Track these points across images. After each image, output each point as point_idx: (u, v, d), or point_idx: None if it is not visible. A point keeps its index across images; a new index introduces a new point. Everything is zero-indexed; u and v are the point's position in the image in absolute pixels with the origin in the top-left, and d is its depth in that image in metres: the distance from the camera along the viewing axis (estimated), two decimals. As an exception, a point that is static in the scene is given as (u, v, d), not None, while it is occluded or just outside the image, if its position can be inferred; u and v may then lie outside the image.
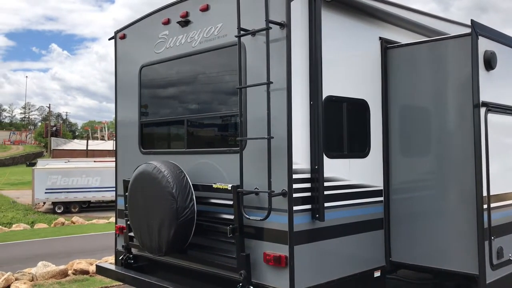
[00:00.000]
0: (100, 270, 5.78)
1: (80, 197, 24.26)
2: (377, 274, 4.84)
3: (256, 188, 4.26)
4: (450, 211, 4.63)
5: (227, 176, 4.64)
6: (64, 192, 23.89)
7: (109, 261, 7.95)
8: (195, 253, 4.76)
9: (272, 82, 4.09)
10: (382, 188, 4.99)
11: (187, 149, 5.14)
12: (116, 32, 6.13)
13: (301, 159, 4.20)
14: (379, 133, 5.00)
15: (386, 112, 5.04)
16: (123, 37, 6.01)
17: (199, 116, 5.10)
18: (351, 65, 4.74)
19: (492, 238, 4.49)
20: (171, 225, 4.48)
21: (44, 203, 24.82)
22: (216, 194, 4.57)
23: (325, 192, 4.31)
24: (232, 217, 4.37)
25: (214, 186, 4.53)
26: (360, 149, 4.83)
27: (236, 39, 4.33)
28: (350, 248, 4.58)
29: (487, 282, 4.39)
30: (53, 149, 66.13)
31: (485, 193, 4.44)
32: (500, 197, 4.69)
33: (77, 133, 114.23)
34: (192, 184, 4.64)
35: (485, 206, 4.43)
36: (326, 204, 4.30)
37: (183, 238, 4.58)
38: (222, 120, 4.90)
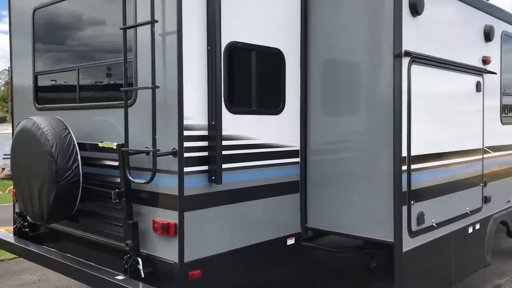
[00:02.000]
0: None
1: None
2: (290, 241, 4.42)
3: (147, 147, 3.71)
4: (368, 174, 4.20)
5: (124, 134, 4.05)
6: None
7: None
8: (84, 220, 4.23)
9: (156, 21, 3.47)
10: (298, 148, 4.52)
11: (81, 104, 4.51)
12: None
13: (196, 114, 3.65)
14: (297, 88, 4.48)
15: (305, 64, 4.51)
16: None
17: (91, 65, 4.44)
18: (264, 8, 4.14)
19: (412, 202, 4.09)
20: (51, 189, 3.90)
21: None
22: (104, 154, 3.99)
23: (226, 152, 3.79)
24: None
25: (100, 144, 3.94)
26: (272, 105, 4.30)
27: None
28: (257, 213, 4.12)
29: (403, 251, 4.01)
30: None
31: (404, 153, 4.02)
32: (424, 158, 4.28)
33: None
34: (79, 143, 4.05)
35: (404, 168, 4.01)
36: (227, 165, 3.81)
37: (67, 204, 4.01)
38: (117, 69, 4.26)
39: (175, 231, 3.57)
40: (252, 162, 4.04)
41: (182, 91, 3.52)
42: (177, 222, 3.56)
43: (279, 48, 4.26)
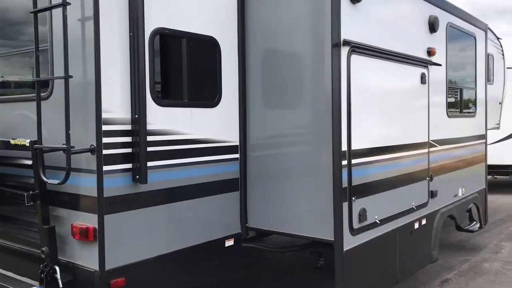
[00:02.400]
0: None
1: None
2: (229, 243, 4.17)
3: (64, 144, 3.35)
4: (308, 170, 4.00)
5: (45, 130, 3.67)
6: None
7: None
8: (-2, 225, 3.84)
9: (68, 3, 3.11)
10: (237, 143, 4.26)
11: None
12: None
13: (118, 107, 3.32)
14: (235, 80, 4.22)
15: (243, 55, 4.25)
16: None
17: (11, 53, 4.03)
18: (196, -7, 3.86)
19: (353, 199, 3.91)
20: (-44, 192, 3.50)
21: None
22: (18, 152, 3.61)
23: (153, 148, 3.49)
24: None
25: (12, 142, 3.56)
26: (207, 97, 4.02)
27: None
28: (191, 214, 3.83)
29: (344, 249, 3.84)
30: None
31: (344, 148, 3.83)
32: (366, 153, 4.11)
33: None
34: (-10, 141, 3.66)
35: (344, 163, 3.82)
36: (154, 163, 3.50)
37: (-24, 208, 3.62)
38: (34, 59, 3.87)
39: (95, 236, 3.23)
40: (184, 159, 3.75)
41: (99, 81, 3.19)
42: (96, 226, 3.23)
43: (213, 36, 3.98)
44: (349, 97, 3.84)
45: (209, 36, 3.94)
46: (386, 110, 4.46)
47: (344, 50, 3.78)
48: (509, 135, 13.50)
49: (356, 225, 3.96)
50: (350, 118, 3.86)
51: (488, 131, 9.77)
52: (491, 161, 13.28)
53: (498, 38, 10.25)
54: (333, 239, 3.78)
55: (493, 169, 14.01)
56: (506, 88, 10.52)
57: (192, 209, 3.84)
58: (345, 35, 3.76)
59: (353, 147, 3.91)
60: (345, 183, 3.82)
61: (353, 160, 3.91)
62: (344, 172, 3.82)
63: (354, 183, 3.92)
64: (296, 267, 5.73)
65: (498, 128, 10.56)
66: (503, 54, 10.47)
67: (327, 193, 3.80)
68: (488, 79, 9.40)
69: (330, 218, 3.78)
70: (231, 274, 4.19)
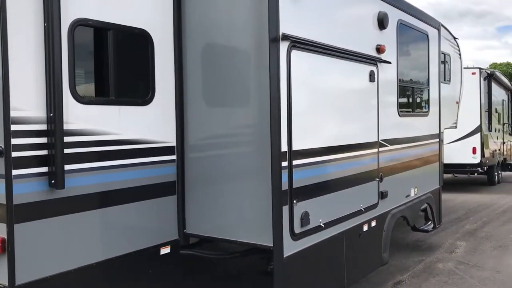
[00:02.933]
0: None
1: None
2: (165, 250, 3.90)
3: (-29, 145, 3.01)
4: (247, 172, 3.78)
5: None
6: None
7: None
8: None
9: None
10: (174, 144, 4.00)
11: None
12: None
13: (31, 104, 3.01)
14: (170, 76, 3.95)
15: (180, 49, 3.99)
16: None
17: None
18: (124, -19, 3.57)
19: (294, 202, 3.71)
20: None
21: None
22: None
23: (73, 150, 3.19)
24: None
25: None
26: (138, 95, 3.75)
27: None
28: (118, 221, 3.55)
29: (285, 255, 3.63)
30: None
31: (284, 148, 3.62)
32: (309, 153, 3.92)
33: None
34: None
35: (284, 164, 3.62)
36: (75, 166, 3.21)
37: None
38: None
39: (4, 248, 2.92)
40: (110, 162, 3.46)
41: (7, 76, 2.87)
42: (5, 237, 2.91)
43: (145, 29, 3.70)
44: (289, 95, 3.63)
45: (139, 28, 3.66)
46: (332, 109, 4.28)
47: (284, 45, 3.57)
48: (467, 134, 13.72)
49: (298, 229, 3.76)
50: (290, 117, 3.65)
51: (445, 130, 9.89)
52: (450, 160, 13.66)
53: (455, 38, 10.31)
54: (271, 245, 3.56)
55: (452, 168, 14.26)
56: (463, 87, 10.60)
57: (121, 215, 3.56)
58: (284, 29, 3.55)
59: (295, 148, 3.71)
60: (284, 186, 3.61)
61: (294, 161, 3.71)
62: (285, 174, 3.62)
63: (295, 185, 3.72)
64: (245, 272, 5.49)
65: (456, 127, 10.62)
66: (460, 54, 10.55)
67: (266, 196, 3.58)
68: (445, 78, 9.44)
69: (268, 223, 3.56)
70: (167, 283, 3.92)
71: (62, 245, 3.17)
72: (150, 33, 3.74)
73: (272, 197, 3.54)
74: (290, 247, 3.68)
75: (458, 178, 17.02)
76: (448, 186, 15.31)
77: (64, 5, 3.10)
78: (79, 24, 3.24)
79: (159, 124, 3.85)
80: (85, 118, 3.29)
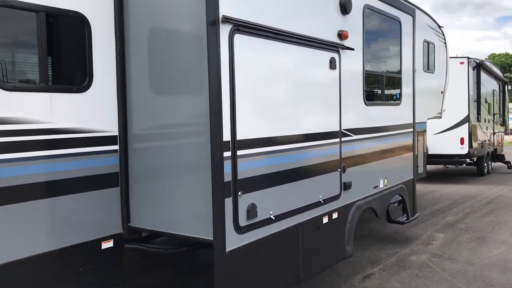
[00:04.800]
0: None
1: None
2: (107, 244, 3.74)
3: None
4: (190, 163, 3.61)
5: None
6: None
7: None
8: None
9: None
10: (116, 134, 3.82)
11: None
12: None
13: None
14: (111, 61, 3.77)
15: (121, 34, 3.80)
16: None
17: None
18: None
19: (239, 194, 3.53)
20: None
21: None
22: None
23: (-5, 139, 3.03)
24: None
25: None
26: (73, 81, 3.56)
27: None
28: (51, 214, 3.38)
29: (227, 250, 3.46)
30: None
31: (227, 138, 3.44)
32: (255, 143, 3.73)
33: None
34: None
35: (227, 154, 3.44)
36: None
37: None
38: None
39: None
40: (40, 152, 3.29)
41: None
42: None
43: (80, 12, 3.51)
44: (232, 82, 3.44)
45: (73, 11, 3.47)
46: (285, 97, 4.09)
47: (225, 29, 3.37)
48: (454, 124, 13.53)
49: (243, 222, 3.59)
50: (234, 106, 3.46)
51: (430, 120, 9.70)
52: (438, 150, 13.49)
53: (440, 27, 10.08)
54: (212, 238, 3.40)
55: (440, 159, 14.10)
56: (448, 77, 10.39)
57: (55, 208, 3.39)
58: (225, 11, 3.35)
59: (239, 137, 3.53)
60: (227, 177, 3.44)
61: (239, 151, 3.53)
62: (227, 165, 3.44)
63: (240, 176, 3.55)
64: (191, 267, 5.35)
65: (440, 117, 10.43)
66: (445, 43, 10.32)
67: (206, 188, 3.41)
68: (428, 68, 9.24)
69: (208, 215, 3.39)
70: (109, 278, 3.77)
71: (-16, 239, 3.02)
72: (86, 16, 3.55)
73: (212, 189, 3.37)
74: (234, 241, 3.51)
75: (447, 169, 16.88)
76: (436, 176, 15.20)
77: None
78: (2, 5, 3.05)
79: (98, 112, 3.67)
80: (9, 106, 3.11)
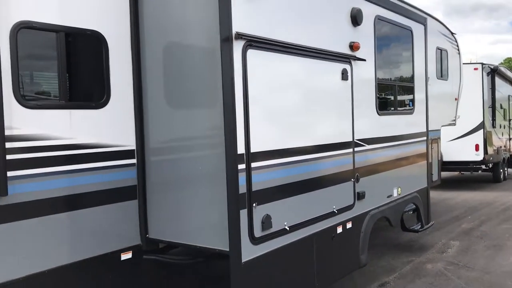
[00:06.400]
0: None
1: None
2: (126, 256, 3.83)
3: None
4: (206, 175, 3.69)
5: None
6: None
7: None
8: None
9: None
10: (134, 148, 3.93)
11: None
12: None
13: (-31, 110, 2.96)
14: (128, 77, 3.88)
15: (137, 50, 3.92)
16: None
17: None
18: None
19: (254, 205, 3.60)
20: None
21: None
22: None
23: (18, 156, 3.14)
24: None
25: None
26: (91, 97, 3.68)
27: None
28: (72, 227, 3.48)
29: (243, 260, 3.52)
30: None
31: (241, 151, 3.51)
32: (270, 155, 3.80)
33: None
34: None
35: (241, 167, 3.51)
36: (20, 172, 3.16)
37: None
38: None
39: None
40: (60, 167, 3.40)
41: None
42: None
43: (98, 30, 3.63)
44: (246, 96, 3.52)
45: (92, 30, 3.59)
46: (298, 109, 4.15)
47: (238, 45, 3.46)
48: (469, 131, 13.44)
49: (258, 233, 3.65)
50: (248, 118, 3.54)
51: (443, 127, 9.66)
52: (453, 157, 13.40)
53: (452, 34, 10.07)
54: (228, 249, 3.46)
55: (455, 165, 13.99)
56: (462, 84, 10.35)
57: (75, 221, 3.50)
58: (238, 27, 3.44)
59: (254, 150, 3.60)
60: (242, 189, 3.50)
61: (253, 163, 3.60)
62: (242, 177, 3.51)
63: (255, 188, 3.61)
64: (208, 278, 5.41)
65: (454, 124, 10.39)
66: (458, 50, 10.30)
67: (222, 200, 3.48)
68: (441, 75, 9.24)
69: (225, 227, 3.47)
70: (132, 289, 3.86)
71: (7, 252, 3.12)
72: (104, 35, 3.67)
73: (227, 200, 3.44)
74: (250, 252, 3.58)
75: (463, 176, 16.72)
76: (451, 183, 15.08)
77: (6, 8, 3.04)
78: (22, 27, 3.18)
79: (115, 127, 3.78)
80: (31, 123, 3.22)
